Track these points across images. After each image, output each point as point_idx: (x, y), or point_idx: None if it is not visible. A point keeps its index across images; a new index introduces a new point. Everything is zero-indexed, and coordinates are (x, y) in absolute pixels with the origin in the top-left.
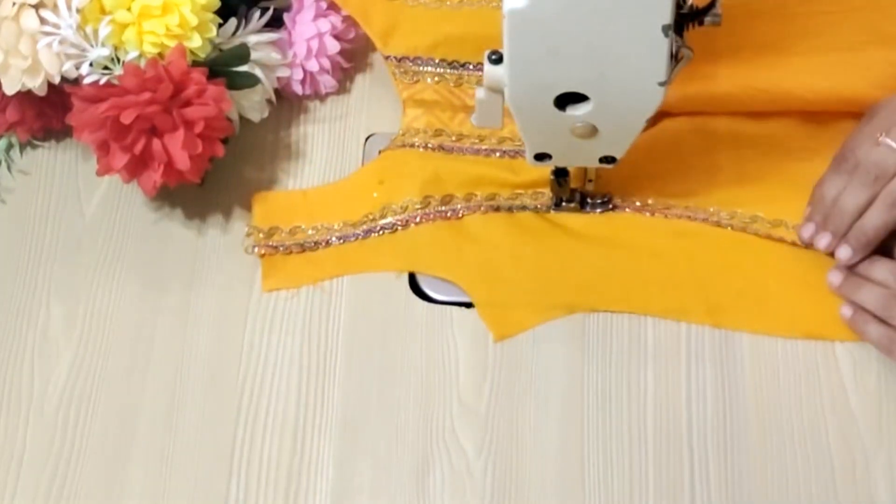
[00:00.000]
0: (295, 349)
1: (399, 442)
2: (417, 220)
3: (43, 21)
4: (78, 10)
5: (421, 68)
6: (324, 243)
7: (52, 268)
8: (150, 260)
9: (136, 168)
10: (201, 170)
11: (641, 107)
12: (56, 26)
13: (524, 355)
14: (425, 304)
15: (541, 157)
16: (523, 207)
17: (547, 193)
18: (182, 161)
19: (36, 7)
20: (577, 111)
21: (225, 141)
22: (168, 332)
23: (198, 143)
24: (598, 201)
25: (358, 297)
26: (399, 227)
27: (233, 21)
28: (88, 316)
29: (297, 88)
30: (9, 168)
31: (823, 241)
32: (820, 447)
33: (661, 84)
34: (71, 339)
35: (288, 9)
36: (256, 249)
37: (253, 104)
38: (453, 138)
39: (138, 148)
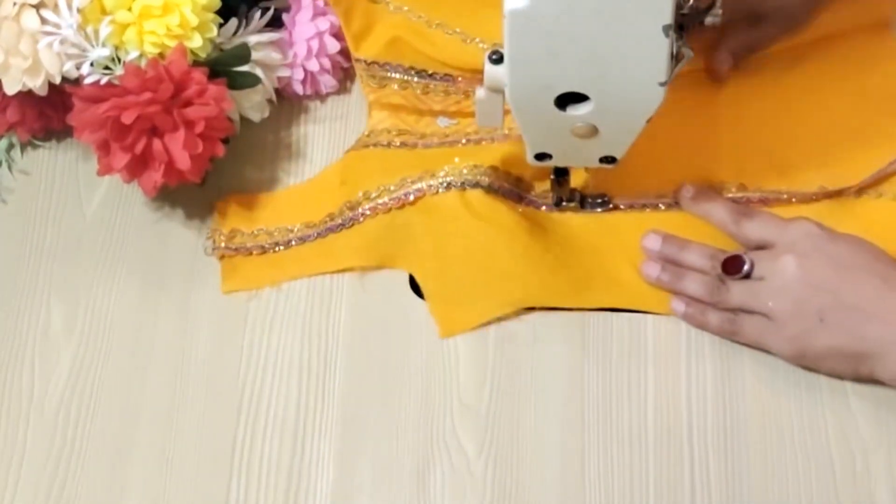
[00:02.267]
0: (295, 349)
1: (399, 442)
2: (369, 212)
3: (44, 21)
4: (79, 10)
5: (389, 74)
6: (283, 244)
7: (53, 268)
8: (150, 260)
9: (137, 168)
10: (202, 170)
11: (642, 107)
12: (57, 26)
13: (524, 355)
14: (425, 303)
15: (541, 156)
16: (476, 184)
17: (513, 174)
18: (183, 161)
19: (37, 7)
20: (577, 111)
21: (225, 141)
22: (168, 332)
23: (198, 142)
24: (598, 201)
25: (358, 297)
26: (356, 222)
27: (233, 21)
28: (88, 316)
29: (298, 88)
30: (9, 168)
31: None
32: (820, 447)
33: (662, 84)
34: (71, 339)
35: (288, 9)
36: (215, 251)
37: (253, 104)
38: (417, 136)
39: (139, 148)
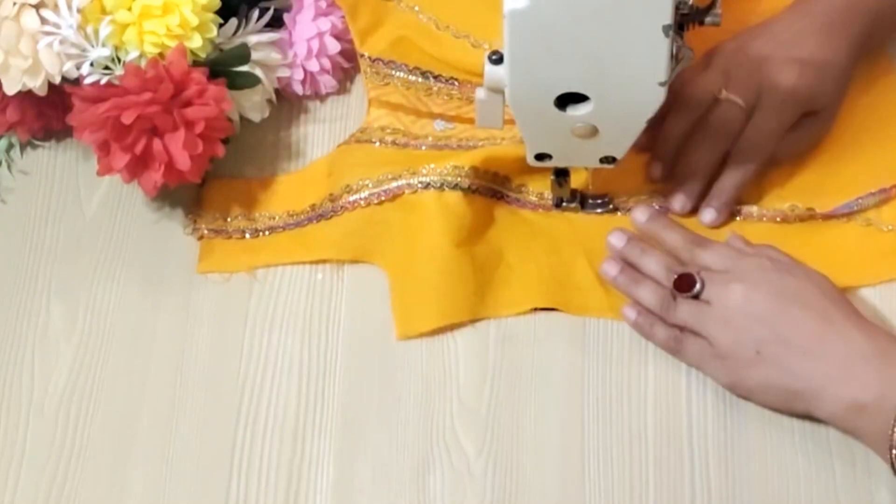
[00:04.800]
0: (295, 349)
1: (399, 442)
2: (349, 205)
3: (43, 21)
4: (78, 10)
5: (393, 72)
6: (264, 231)
7: (52, 268)
8: (150, 260)
9: (137, 168)
10: (202, 170)
11: (642, 107)
12: (57, 26)
13: (524, 355)
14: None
15: (541, 156)
16: (455, 186)
17: (500, 174)
18: (183, 161)
19: (36, 7)
20: (577, 111)
21: (225, 141)
22: (168, 331)
23: (198, 143)
24: (599, 201)
25: (358, 297)
26: (335, 215)
27: (233, 21)
28: (88, 316)
29: (298, 88)
30: (9, 168)
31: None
32: (820, 447)
33: (662, 84)
34: (71, 339)
35: (288, 9)
36: (195, 232)
37: (253, 104)
38: (410, 137)
39: (139, 148)
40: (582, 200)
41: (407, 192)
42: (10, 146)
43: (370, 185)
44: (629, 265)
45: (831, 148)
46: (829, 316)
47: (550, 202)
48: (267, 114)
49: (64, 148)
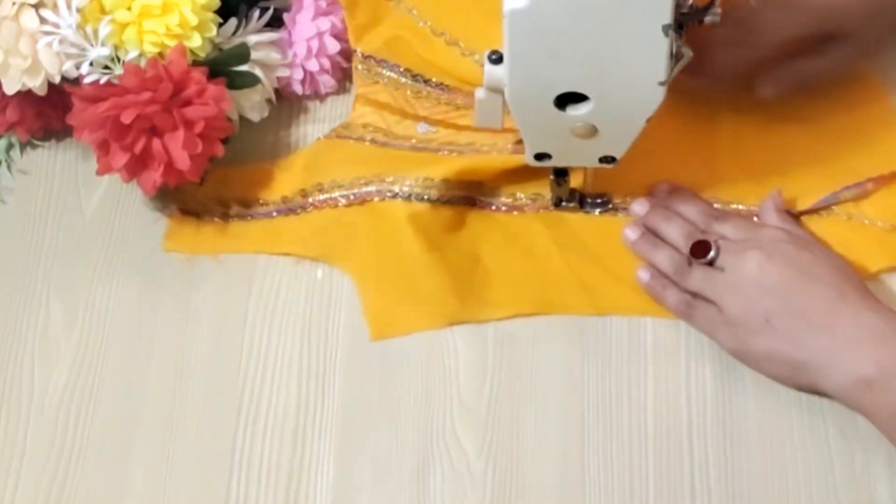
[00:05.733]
0: (295, 349)
1: (399, 442)
2: (319, 203)
3: (43, 20)
4: (78, 10)
5: (384, 71)
6: (234, 217)
7: (52, 267)
8: (150, 260)
9: (136, 168)
10: (201, 169)
11: (641, 107)
12: (56, 26)
13: (524, 355)
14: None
15: (541, 156)
16: (423, 198)
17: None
18: (182, 161)
19: (36, 6)
20: (577, 111)
21: (225, 141)
22: (168, 331)
23: (198, 142)
24: (598, 201)
25: (358, 297)
26: (304, 211)
27: (233, 21)
28: (88, 315)
29: (297, 88)
30: (9, 168)
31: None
32: (819, 446)
33: (662, 84)
34: (71, 339)
35: (288, 8)
36: (165, 209)
37: (253, 104)
38: (391, 136)
39: (138, 147)
40: (581, 200)
41: (376, 199)
42: (10, 146)
43: (341, 187)
44: (650, 231)
45: (812, 148)
46: (843, 292)
47: (524, 202)
48: (266, 113)
49: (63, 148)
